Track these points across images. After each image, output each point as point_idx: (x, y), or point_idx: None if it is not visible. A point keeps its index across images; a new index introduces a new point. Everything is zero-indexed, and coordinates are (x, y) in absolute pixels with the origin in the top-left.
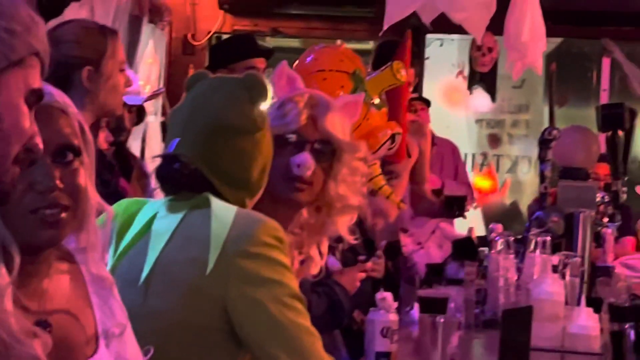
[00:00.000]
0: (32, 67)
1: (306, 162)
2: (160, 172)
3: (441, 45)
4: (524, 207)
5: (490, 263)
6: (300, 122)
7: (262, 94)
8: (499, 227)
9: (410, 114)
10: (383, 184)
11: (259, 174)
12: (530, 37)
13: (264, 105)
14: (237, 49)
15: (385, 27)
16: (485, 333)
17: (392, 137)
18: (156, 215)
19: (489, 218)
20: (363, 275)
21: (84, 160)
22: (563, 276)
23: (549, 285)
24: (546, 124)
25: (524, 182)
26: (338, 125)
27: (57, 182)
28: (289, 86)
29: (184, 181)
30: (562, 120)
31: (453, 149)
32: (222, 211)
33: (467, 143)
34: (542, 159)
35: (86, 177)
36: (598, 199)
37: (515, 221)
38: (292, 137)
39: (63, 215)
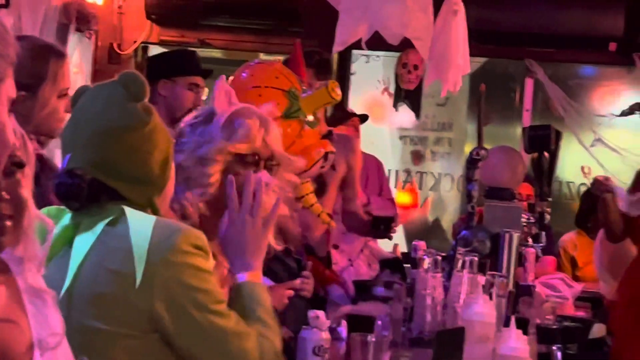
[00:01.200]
0: (9, 77)
1: (269, 181)
2: (59, 191)
3: (367, 62)
4: (445, 225)
5: (418, 281)
6: (258, 141)
7: (140, 89)
8: (422, 245)
9: (342, 128)
10: (314, 202)
11: (160, 168)
12: (454, 56)
13: (145, 100)
14: (181, 63)
15: (335, 51)
16: (412, 351)
17: (326, 156)
18: (74, 226)
19: (411, 235)
20: (291, 292)
21: (26, 173)
22: (490, 296)
23: (479, 306)
24: (469, 142)
25: (446, 199)
26: (278, 140)
27: (3, 193)
28: (227, 100)
29: (86, 194)
30: (485, 139)
31: (378, 165)
32: (140, 222)
33: (391, 159)
34: (469, 179)
35: (28, 189)
36: (523, 220)
37: (437, 238)
38: (251, 157)
39: (7, 224)
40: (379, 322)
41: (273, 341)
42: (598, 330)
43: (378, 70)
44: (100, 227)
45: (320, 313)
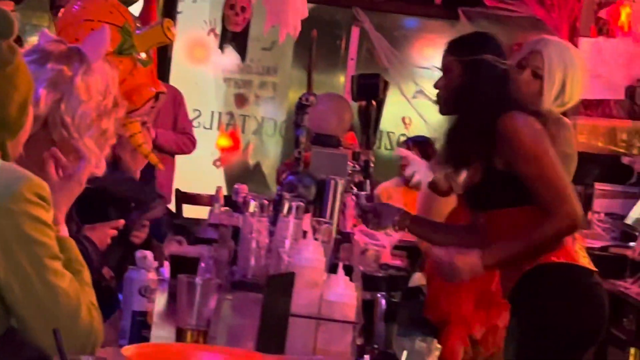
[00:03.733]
0: None
1: None
2: None
3: (194, 1)
4: (266, 169)
5: (243, 225)
6: None
7: (6, 27)
8: (244, 188)
9: None
10: (142, 142)
11: (17, 111)
12: (292, 1)
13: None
14: None
15: None
16: (235, 294)
17: (157, 96)
18: None
19: (231, 178)
20: (114, 232)
21: None
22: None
23: (310, 252)
24: (294, 88)
25: (268, 144)
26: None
27: None
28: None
29: None
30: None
31: (174, 97)
32: None
33: (214, 101)
34: (297, 124)
35: None
36: (349, 168)
37: (258, 182)
38: None
39: None
40: (202, 265)
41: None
42: (418, 279)
43: (205, 11)
44: None
45: (148, 253)
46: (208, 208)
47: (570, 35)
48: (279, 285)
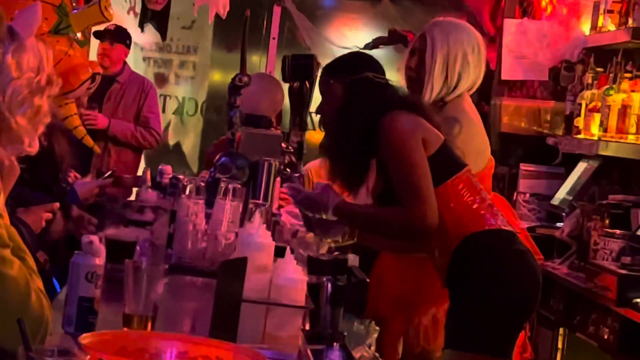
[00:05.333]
0: None
1: None
2: None
3: None
4: (187, 149)
5: (179, 208)
6: None
7: None
8: (169, 169)
9: None
10: (78, 124)
11: None
12: None
13: None
14: None
15: None
16: (172, 278)
17: (93, 77)
18: None
19: (151, 158)
20: (49, 215)
21: None
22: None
23: (260, 236)
24: (214, 68)
25: (189, 123)
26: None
27: None
28: None
29: None
30: (230, 66)
31: (141, 88)
32: None
33: None
34: (230, 105)
35: None
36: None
37: (178, 163)
38: None
39: None
40: (138, 248)
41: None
42: (352, 260)
43: None
44: None
45: (95, 238)
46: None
47: (492, 16)
48: (231, 270)
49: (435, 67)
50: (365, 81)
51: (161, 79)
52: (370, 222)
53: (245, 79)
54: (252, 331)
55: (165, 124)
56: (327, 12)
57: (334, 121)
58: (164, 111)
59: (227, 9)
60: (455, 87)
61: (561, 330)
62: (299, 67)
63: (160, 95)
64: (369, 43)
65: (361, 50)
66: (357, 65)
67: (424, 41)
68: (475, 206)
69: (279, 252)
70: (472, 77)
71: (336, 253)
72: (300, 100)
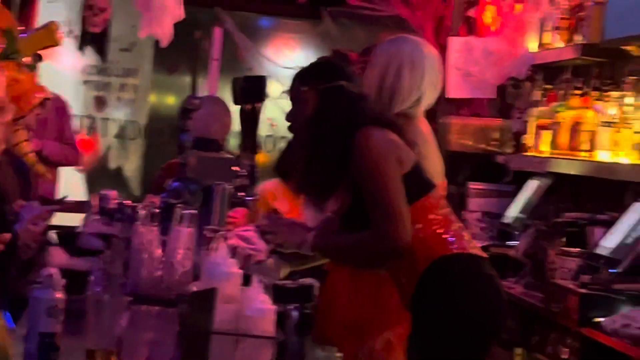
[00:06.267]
0: None
1: None
2: None
3: (50, 1)
4: (128, 173)
5: (134, 235)
6: None
7: None
8: (114, 194)
9: None
10: (28, 150)
11: None
12: (165, 4)
13: None
14: None
15: None
16: (135, 310)
17: (43, 102)
18: None
19: (91, 182)
20: (1, 247)
21: None
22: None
23: (227, 265)
24: (154, 90)
25: (130, 147)
26: None
27: None
28: None
29: None
30: (171, 88)
31: (58, 107)
32: None
33: (74, 104)
34: (182, 129)
35: None
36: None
37: (119, 187)
38: None
39: None
40: (93, 278)
41: None
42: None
43: (61, 12)
44: None
45: (54, 271)
46: (70, 215)
47: (435, 34)
48: (201, 301)
49: (370, 79)
50: (339, 90)
51: (101, 102)
52: (348, 251)
53: (197, 102)
54: None
55: (105, 147)
56: (268, 32)
57: (305, 130)
58: (104, 135)
59: (171, 39)
60: (390, 103)
61: (519, 351)
62: (251, 89)
63: (101, 118)
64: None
65: (330, 59)
66: (331, 72)
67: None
68: (442, 229)
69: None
70: (412, 94)
71: (301, 280)
72: (252, 123)
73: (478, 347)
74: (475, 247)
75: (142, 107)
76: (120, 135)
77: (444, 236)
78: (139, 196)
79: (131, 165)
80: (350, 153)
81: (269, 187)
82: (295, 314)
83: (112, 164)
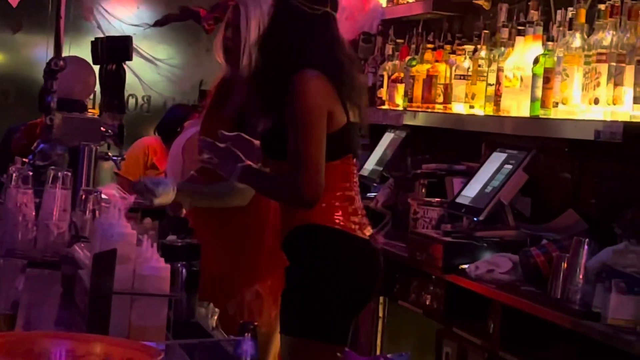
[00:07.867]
0: None
1: None
2: None
3: None
4: None
5: (8, 198)
6: None
7: None
8: None
9: None
10: None
11: None
12: None
13: None
14: None
15: None
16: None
17: None
18: None
19: None
20: None
21: None
22: (86, 212)
23: (121, 226)
24: None
25: None
26: None
27: None
28: None
29: None
30: (15, 47)
31: None
32: None
33: None
34: (47, 90)
35: None
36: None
37: None
38: None
39: None
40: None
41: None
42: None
43: None
44: None
45: None
46: None
47: None
48: (103, 263)
49: (250, 36)
50: (289, 7)
51: None
52: (266, 192)
53: (62, 63)
54: (118, 323)
55: None
56: None
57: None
58: None
59: None
60: None
61: (381, 299)
62: (117, 49)
63: None
64: (159, 20)
65: None
66: None
67: (238, 12)
68: (338, 203)
69: None
70: None
71: (187, 239)
72: (117, 83)
73: (350, 309)
74: (365, 228)
75: None
76: None
77: (336, 205)
78: None
79: None
80: (287, 90)
81: (149, 142)
82: (183, 271)
83: None
